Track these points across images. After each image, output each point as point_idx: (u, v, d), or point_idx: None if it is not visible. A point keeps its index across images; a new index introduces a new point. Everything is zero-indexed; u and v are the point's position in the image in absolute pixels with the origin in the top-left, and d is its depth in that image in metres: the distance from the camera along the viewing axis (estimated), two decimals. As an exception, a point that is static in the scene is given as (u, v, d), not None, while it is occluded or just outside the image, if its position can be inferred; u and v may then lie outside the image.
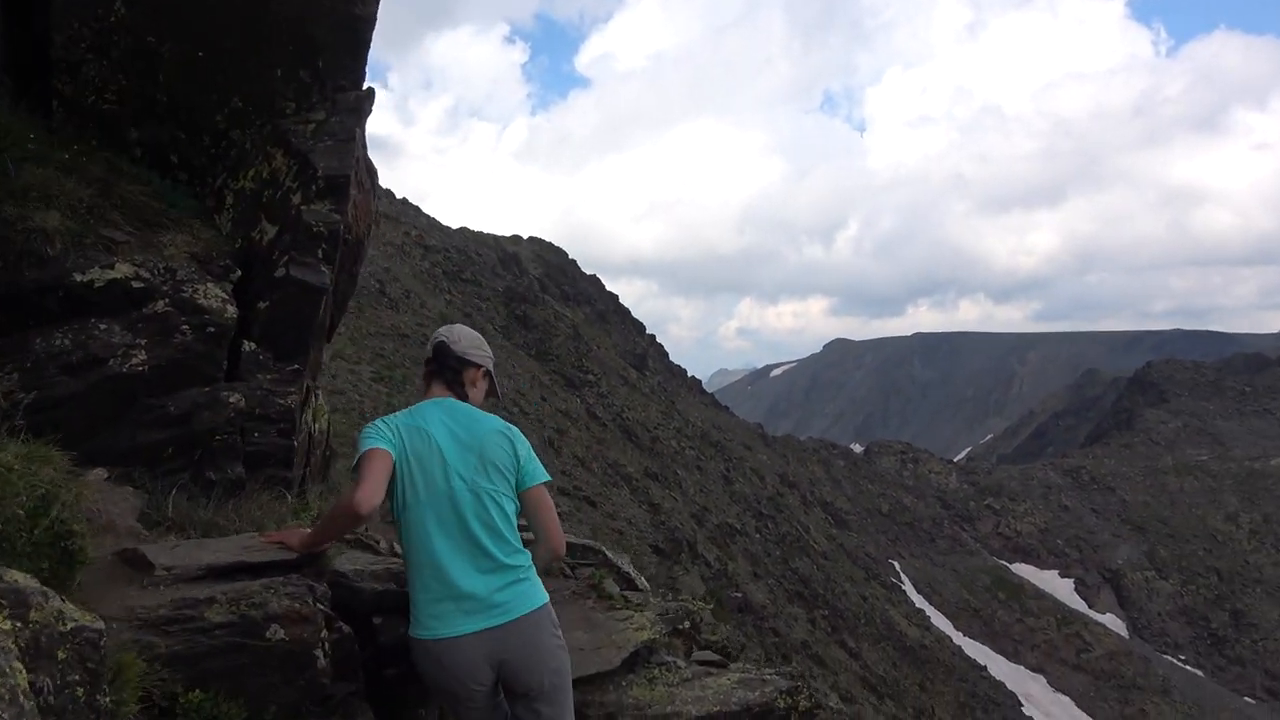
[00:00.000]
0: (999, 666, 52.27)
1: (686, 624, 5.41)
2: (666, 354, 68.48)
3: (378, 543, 5.04)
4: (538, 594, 2.92)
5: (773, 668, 5.54)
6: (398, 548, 5.31)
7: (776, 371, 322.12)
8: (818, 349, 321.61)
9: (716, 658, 5.19)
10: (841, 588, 46.32)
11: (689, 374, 70.24)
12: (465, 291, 46.10)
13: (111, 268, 3.25)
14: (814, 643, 36.66)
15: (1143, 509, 68.33)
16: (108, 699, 1.79)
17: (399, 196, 53.02)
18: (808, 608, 40.27)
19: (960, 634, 54.39)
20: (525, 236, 64.15)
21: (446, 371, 3.11)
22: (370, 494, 2.74)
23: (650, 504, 36.35)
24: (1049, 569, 63.81)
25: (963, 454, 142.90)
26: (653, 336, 67.51)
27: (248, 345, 3.64)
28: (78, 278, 3.18)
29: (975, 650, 52.87)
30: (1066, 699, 51.65)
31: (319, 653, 2.74)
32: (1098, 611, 60.12)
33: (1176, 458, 74.31)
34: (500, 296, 48.12)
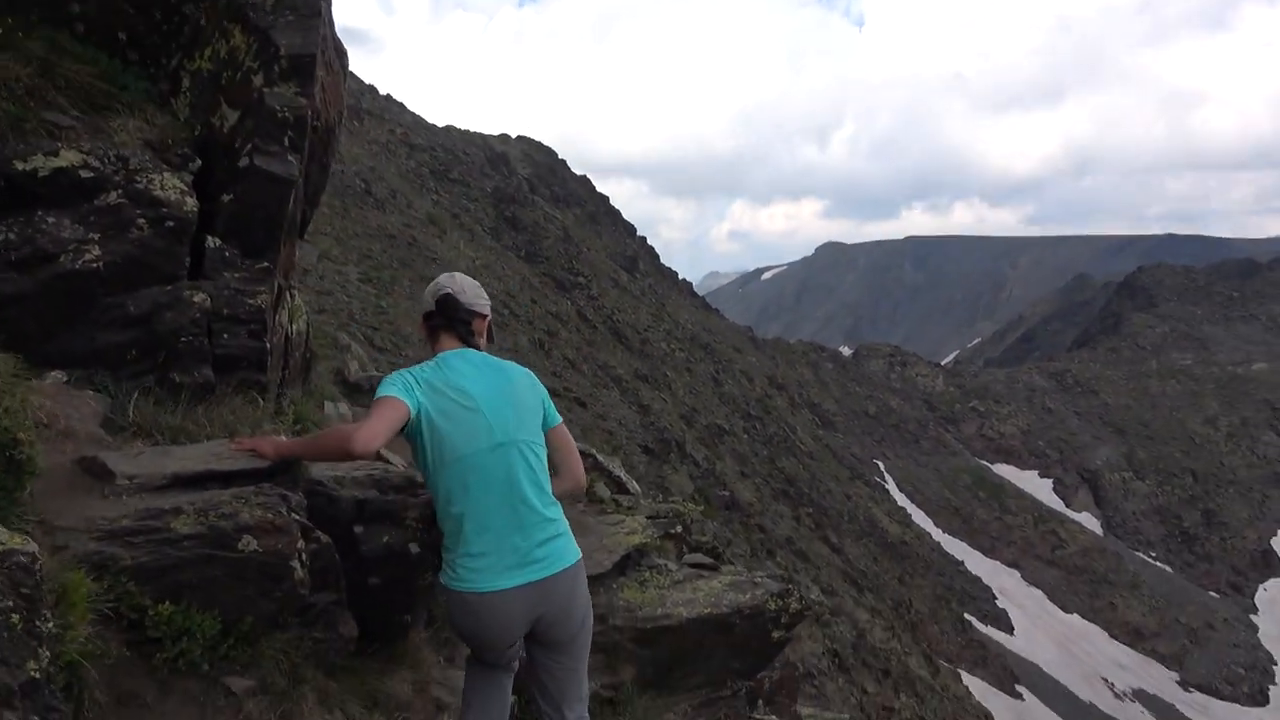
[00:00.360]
0: (976, 562, 53.87)
1: (678, 527, 5.40)
2: (657, 256, 67.95)
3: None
4: (574, 548, 2.92)
5: (764, 570, 5.60)
6: (385, 452, 5.12)
7: (767, 274, 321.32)
8: (809, 252, 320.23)
9: (708, 560, 5.18)
10: (826, 486, 47.20)
11: (680, 276, 69.90)
12: (453, 192, 45.27)
13: (56, 155, 2.97)
14: (798, 539, 37.53)
15: (1124, 412, 69.37)
16: (49, 624, 1.65)
17: (382, 93, 51.48)
18: (793, 505, 41.07)
19: (940, 531, 55.83)
20: (514, 135, 62.70)
21: (458, 325, 3.01)
22: (371, 436, 2.62)
23: (640, 405, 36.60)
24: (1029, 469, 65.11)
25: (950, 357, 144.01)
26: (643, 239, 66.84)
27: (211, 241, 3.40)
28: (19, 166, 2.91)
29: (954, 546, 54.38)
30: (1039, 593, 53.42)
31: (296, 564, 2.63)
32: (1074, 510, 61.66)
33: (1161, 362, 75.05)
34: (489, 197, 47.29)
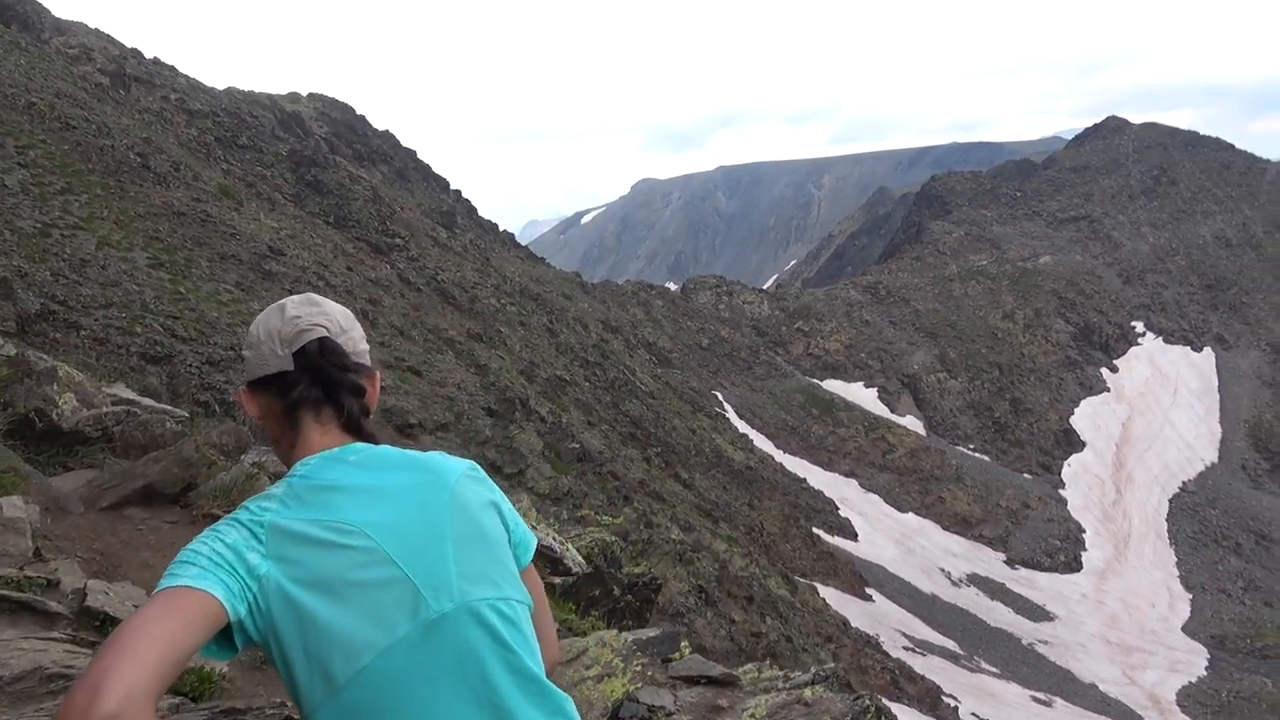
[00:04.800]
0: (817, 477, 56.46)
1: (681, 650, 3.54)
2: (475, 209, 65.90)
3: None
4: None
5: (805, 671, 3.73)
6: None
7: (587, 217, 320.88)
8: (625, 190, 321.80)
9: (715, 672, 3.31)
10: (671, 424, 47.84)
11: (500, 228, 68.16)
12: (244, 159, 41.78)
13: None
14: (650, 480, 37.85)
15: (933, 316, 74.01)
16: None
17: (149, 56, 46.49)
18: (641, 447, 41.35)
19: (781, 452, 58.06)
20: (305, 94, 58.48)
21: (343, 395, 1.70)
22: (89, 700, 1.20)
23: (477, 366, 35.50)
24: (855, 381, 68.57)
25: (771, 281, 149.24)
26: (458, 192, 64.53)
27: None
28: None
29: (795, 465, 56.72)
30: (876, 497, 56.73)
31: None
32: (899, 415, 65.58)
33: (960, 265, 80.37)
34: (285, 162, 43.99)
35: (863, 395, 66.86)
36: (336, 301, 1.76)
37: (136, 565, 3.00)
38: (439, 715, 1.47)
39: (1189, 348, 75.68)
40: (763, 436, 58.82)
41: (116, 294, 25.01)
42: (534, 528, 4.19)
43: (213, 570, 1.42)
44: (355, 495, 1.55)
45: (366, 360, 1.76)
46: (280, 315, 1.71)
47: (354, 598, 1.46)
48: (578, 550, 4.15)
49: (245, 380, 1.74)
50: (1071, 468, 61.71)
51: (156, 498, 3.56)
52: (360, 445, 1.66)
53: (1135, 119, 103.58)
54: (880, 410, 65.27)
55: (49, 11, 38.08)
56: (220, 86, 48.62)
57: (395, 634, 1.47)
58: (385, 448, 1.66)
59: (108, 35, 40.89)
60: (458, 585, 1.53)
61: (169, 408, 5.26)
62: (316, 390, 1.68)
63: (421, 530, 1.55)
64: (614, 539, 4.42)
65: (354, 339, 1.75)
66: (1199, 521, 58.73)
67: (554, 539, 4.06)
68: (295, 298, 1.75)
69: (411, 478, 1.61)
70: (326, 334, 1.71)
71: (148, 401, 4.91)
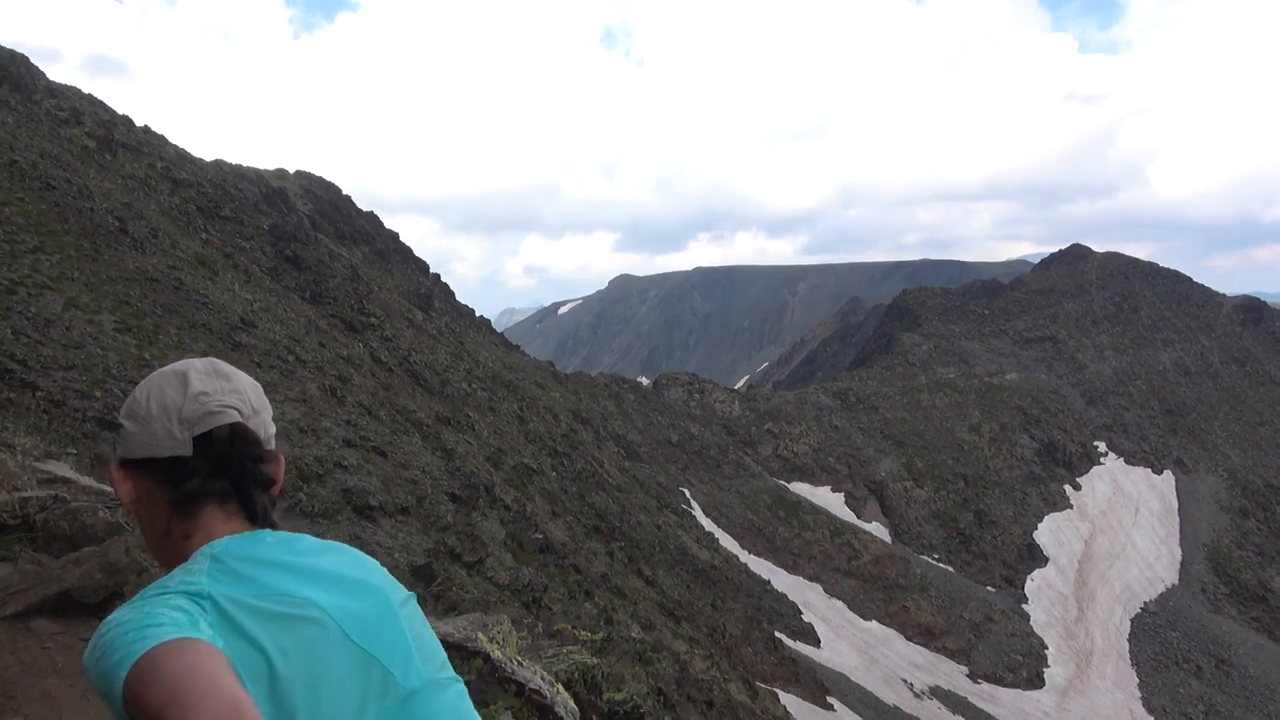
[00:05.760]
0: (781, 579, 55.72)
1: None
2: (452, 294, 66.34)
3: None
4: None
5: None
6: None
7: (564, 309, 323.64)
8: (603, 285, 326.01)
9: None
10: (636, 518, 47.25)
11: (477, 314, 68.50)
12: (225, 230, 41.93)
13: None
14: (613, 575, 37.08)
15: (901, 425, 74.56)
16: None
17: (139, 124, 47.08)
18: (605, 541, 40.66)
19: (746, 552, 57.39)
20: (292, 171, 59.28)
21: (251, 481, 1.47)
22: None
23: (444, 450, 35.04)
24: (822, 485, 68.48)
25: (742, 381, 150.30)
26: (437, 276, 65.03)
27: None
28: None
29: (760, 566, 56.00)
30: (840, 603, 55.96)
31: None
32: (865, 521, 65.33)
33: (929, 377, 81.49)
34: (266, 235, 44.21)
35: (830, 499, 66.68)
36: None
37: (35, 696, 2.44)
38: None
39: (1150, 469, 76.64)
40: (729, 536, 58.21)
41: (79, 356, 24.59)
42: (520, 664, 3.79)
43: (189, 628, 1.17)
44: (292, 572, 1.35)
45: (273, 443, 1.53)
46: (181, 388, 1.45)
47: (316, 677, 1.28)
48: (558, 673, 3.85)
49: (121, 456, 1.49)
50: (1034, 582, 61.44)
51: (73, 608, 3.00)
52: (270, 530, 1.46)
53: (1098, 248, 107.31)
54: (846, 515, 65.01)
55: (43, 74, 38.57)
56: (209, 159, 49.22)
57: (366, 715, 1.32)
58: (301, 536, 1.47)
59: (100, 101, 41.40)
60: (420, 663, 1.40)
61: (108, 488, 4.45)
62: (221, 482, 1.44)
63: (371, 608, 1.39)
64: (595, 661, 4.13)
65: (265, 421, 1.51)
66: (1160, 643, 58.35)
67: (543, 680, 3.69)
68: (198, 364, 1.48)
69: (340, 559, 1.45)
70: (239, 417, 1.46)
71: (86, 481, 4.22)
